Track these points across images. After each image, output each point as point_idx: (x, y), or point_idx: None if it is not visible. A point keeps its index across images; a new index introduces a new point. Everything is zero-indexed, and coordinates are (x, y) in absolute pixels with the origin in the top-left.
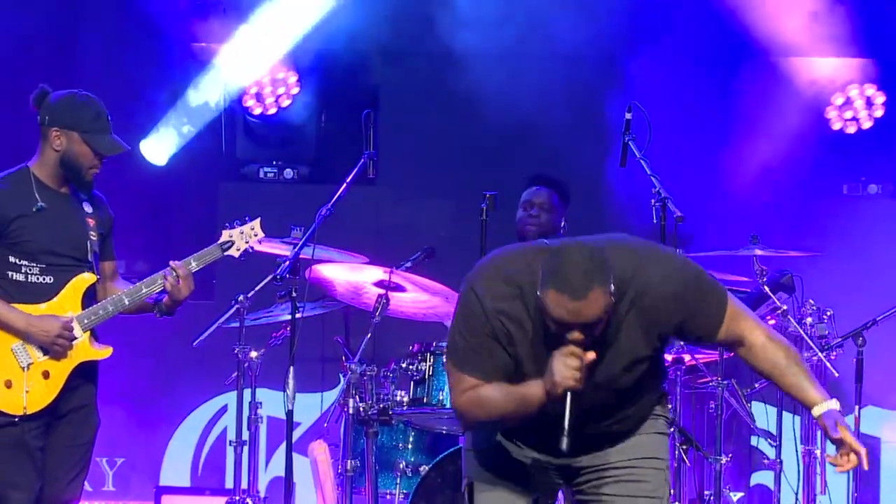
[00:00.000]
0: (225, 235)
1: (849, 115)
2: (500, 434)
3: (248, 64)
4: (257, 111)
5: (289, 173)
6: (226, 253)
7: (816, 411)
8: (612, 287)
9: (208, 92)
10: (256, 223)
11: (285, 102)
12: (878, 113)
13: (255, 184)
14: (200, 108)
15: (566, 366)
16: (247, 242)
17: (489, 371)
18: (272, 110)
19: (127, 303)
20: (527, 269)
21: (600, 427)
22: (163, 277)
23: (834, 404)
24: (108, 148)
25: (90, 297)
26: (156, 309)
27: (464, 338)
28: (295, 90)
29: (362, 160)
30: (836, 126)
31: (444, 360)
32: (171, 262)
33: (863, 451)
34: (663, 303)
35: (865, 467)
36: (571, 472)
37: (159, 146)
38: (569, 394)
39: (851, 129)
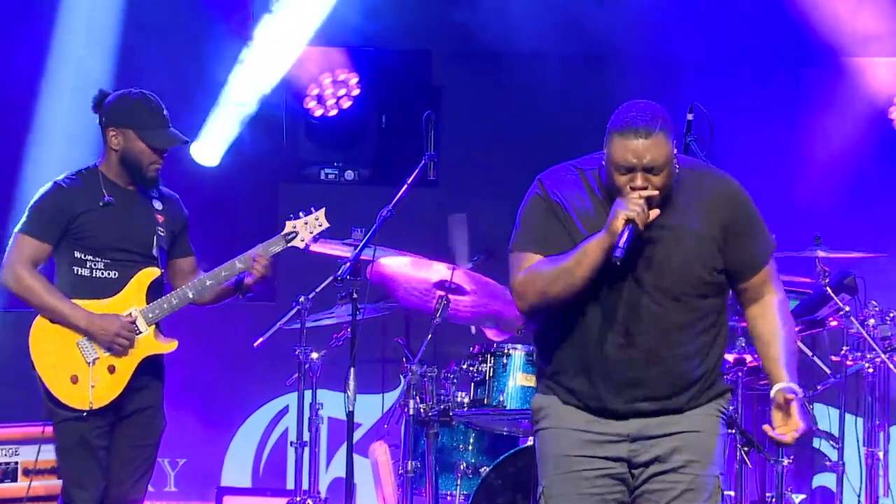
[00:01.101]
0: (289, 226)
1: None
2: (562, 394)
3: (290, 60)
4: (318, 112)
5: (349, 175)
6: (290, 244)
7: (780, 384)
8: (674, 142)
9: (255, 90)
10: (321, 213)
11: (346, 104)
12: None
13: (316, 185)
14: (248, 108)
15: (629, 200)
16: (311, 233)
17: (548, 244)
18: (333, 111)
19: (191, 295)
20: (590, 159)
21: (658, 360)
22: (227, 269)
23: (798, 389)
24: (163, 142)
25: (156, 291)
26: (239, 291)
27: (524, 221)
28: (356, 91)
29: (423, 161)
30: None
31: (509, 253)
32: (234, 259)
33: (799, 428)
34: (723, 197)
35: (789, 442)
36: (633, 465)
37: (209, 147)
38: (628, 227)
39: None
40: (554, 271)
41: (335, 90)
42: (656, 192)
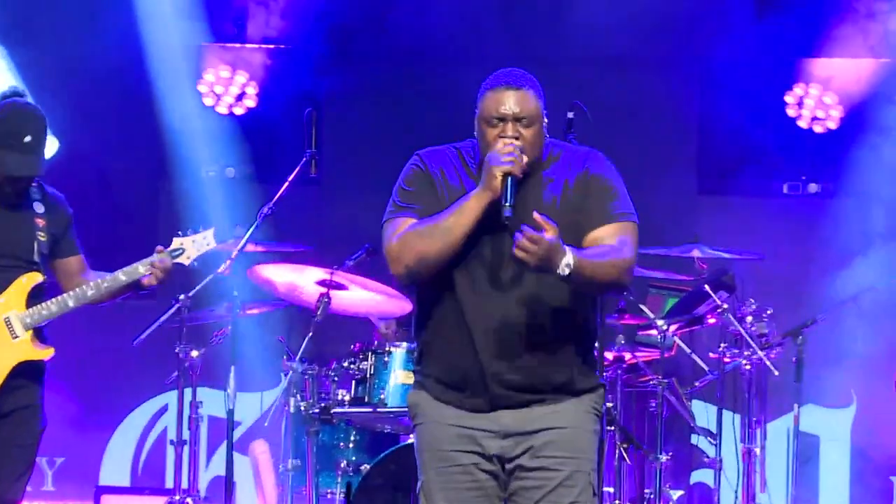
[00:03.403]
0: (175, 243)
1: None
2: (436, 394)
3: None
4: (222, 110)
5: (230, 172)
6: (175, 260)
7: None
8: (543, 104)
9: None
10: (210, 233)
11: (249, 103)
12: (821, 113)
13: (197, 183)
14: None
15: (501, 151)
16: (198, 251)
17: (424, 210)
18: (238, 110)
19: (71, 304)
20: (466, 142)
21: (522, 334)
22: (109, 282)
23: (572, 258)
24: (9, 168)
25: (37, 297)
26: (135, 289)
27: (400, 189)
28: (251, 90)
29: (304, 158)
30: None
31: (382, 224)
32: (118, 272)
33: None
34: (584, 163)
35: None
36: (505, 460)
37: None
38: (508, 180)
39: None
40: (431, 230)
41: (226, 88)
42: (523, 143)
